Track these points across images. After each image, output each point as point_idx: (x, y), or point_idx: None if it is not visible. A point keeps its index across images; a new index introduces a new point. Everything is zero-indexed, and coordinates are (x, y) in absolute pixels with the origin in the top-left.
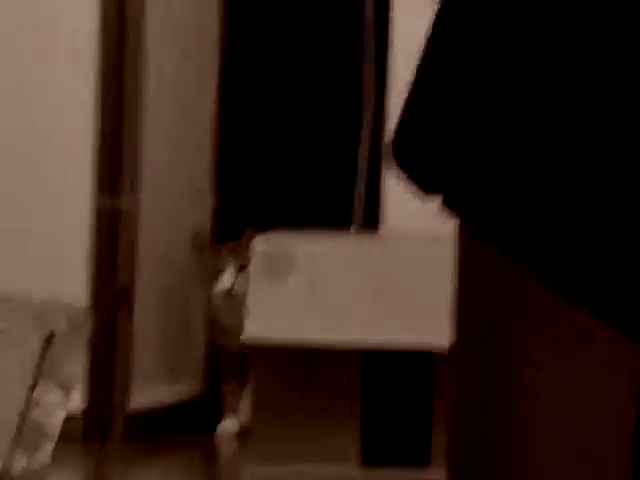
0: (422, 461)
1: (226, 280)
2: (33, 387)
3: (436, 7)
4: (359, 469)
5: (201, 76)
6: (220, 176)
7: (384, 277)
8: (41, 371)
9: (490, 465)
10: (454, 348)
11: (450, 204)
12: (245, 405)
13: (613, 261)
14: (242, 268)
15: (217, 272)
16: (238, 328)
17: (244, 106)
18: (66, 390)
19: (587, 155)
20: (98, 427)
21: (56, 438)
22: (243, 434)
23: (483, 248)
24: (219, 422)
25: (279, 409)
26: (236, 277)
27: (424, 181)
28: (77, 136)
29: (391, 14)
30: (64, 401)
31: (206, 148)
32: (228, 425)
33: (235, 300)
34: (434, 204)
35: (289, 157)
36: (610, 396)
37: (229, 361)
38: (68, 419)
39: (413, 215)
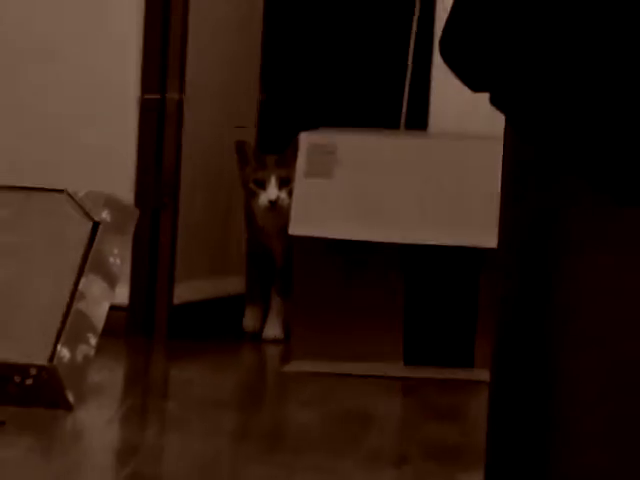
0: (465, 362)
1: (270, 193)
2: (79, 279)
3: None
4: (401, 368)
5: None
6: (267, 77)
7: (431, 174)
8: (87, 263)
9: (536, 366)
10: (501, 246)
11: (497, 102)
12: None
13: None
14: (286, 181)
15: (260, 184)
16: (281, 236)
17: (292, 9)
18: (111, 282)
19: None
20: (142, 321)
21: (100, 330)
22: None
23: (529, 146)
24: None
25: (321, 306)
26: (280, 190)
27: (472, 79)
28: (125, 31)
29: None
30: (109, 293)
31: (253, 47)
32: (270, 331)
33: (279, 213)
34: (481, 106)
35: (336, 59)
36: None
37: (271, 265)
38: (113, 312)
39: (460, 117)
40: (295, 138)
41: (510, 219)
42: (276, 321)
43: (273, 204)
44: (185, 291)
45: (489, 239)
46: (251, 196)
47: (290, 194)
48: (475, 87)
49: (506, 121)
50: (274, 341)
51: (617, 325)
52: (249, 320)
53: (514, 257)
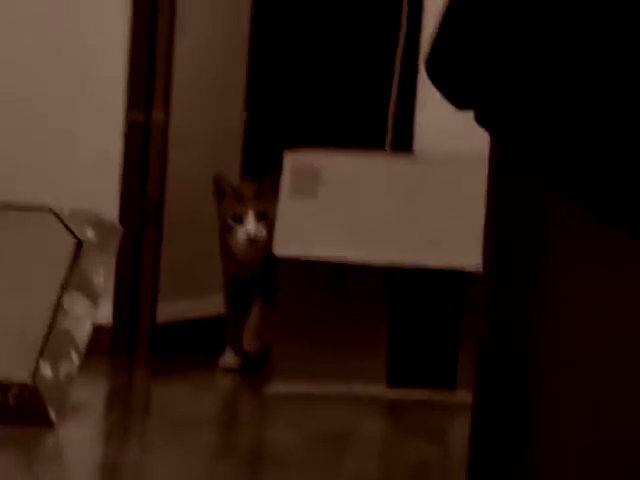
0: (448, 384)
1: (248, 227)
2: (61, 296)
3: None
4: (384, 389)
5: None
6: (252, 96)
7: (415, 195)
8: (70, 281)
9: (519, 388)
10: (486, 266)
11: (482, 120)
12: (249, 336)
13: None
14: (264, 215)
15: (238, 218)
16: (257, 265)
17: (278, 30)
18: (94, 300)
19: (614, 71)
20: (125, 339)
21: (84, 348)
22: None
23: (515, 166)
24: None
25: (304, 326)
26: (258, 224)
27: (457, 97)
28: (111, 53)
29: None
30: (92, 311)
31: (239, 67)
32: (228, 359)
33: (257, 246)
34: (466, 126)
35: (321, 78)
36: (638, 311)
37: (238, 294)
38: (96, 330)
39: (445, 138)
40: (270, 172)
41: (495, 240)
42: (253, 335)
43: (251, 238)
44: (168, 310)
45: (473, 261)
46: (228, 230)
47: (268, 227)
48: (460, 105)
49: (491, 140)
50: (251, 356)
51: (601, 346)
52: (228, 360)
53: (498, 278)
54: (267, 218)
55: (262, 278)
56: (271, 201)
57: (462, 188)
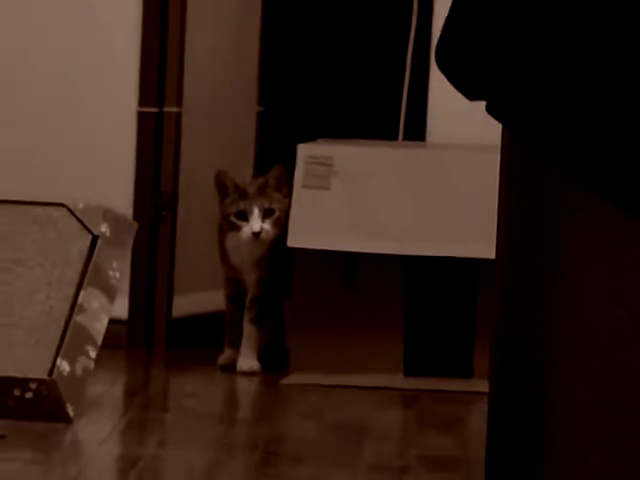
0: (465, 372)
1: (253, 225)
2: (78, 292)
3: None
4: (401, 379)
5: None
6: (265, 89)
7: (428, 185)
8: (86, 276)
9: (534, 375)
10: (499, 255)
11: (493, 110)
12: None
13: None
14: (270, 212)
15: (242, 215)
16: (258, 265)
17: (289, 22)
18: (110, 295)
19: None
20: (141, 334)
21: (100, 343)
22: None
23: (527, 154)
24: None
25: (320, 318)
26: (263, 221)
27: (468, 88)
28: (123, 48)
29: None
30: (108, 306)
31: (251, 60)
32: (246, 363)
33: (262, 244)
34: (479, 115)
35: (334, 70)
36: None
37: (244, 296)
38: (112, 325)
39: (458, 127)
40: (275, 164)
41: (508, 228)
42: (250, 352)
43: (257, 236)
44: (184, 304)
45: (487, 250)
46: (233, 229)
47: (275, 225)
48: (471, 95)
49: (503, 129)
50: (250, 373)
51: (615, 330)
52: (226, 359)
53: (512, 266)
54: (274, 215)
55: (259, 284)
56: (277, 197)
57: (475, 177)
